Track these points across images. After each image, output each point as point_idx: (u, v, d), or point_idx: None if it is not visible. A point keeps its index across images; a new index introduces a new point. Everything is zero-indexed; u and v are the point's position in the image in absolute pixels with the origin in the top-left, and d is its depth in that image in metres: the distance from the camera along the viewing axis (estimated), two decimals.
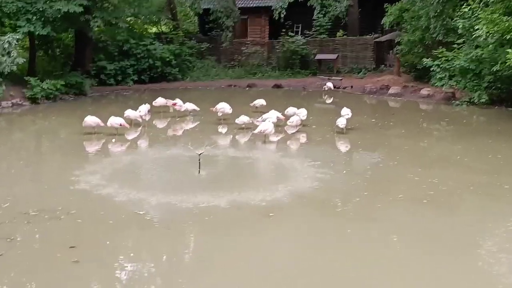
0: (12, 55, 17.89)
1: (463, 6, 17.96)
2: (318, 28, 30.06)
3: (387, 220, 7.69)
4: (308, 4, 28.55)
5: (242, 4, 31.31)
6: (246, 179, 9.87)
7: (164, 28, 32.65)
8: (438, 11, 20.35)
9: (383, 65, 28.04)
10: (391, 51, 27.14)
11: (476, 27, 16.36)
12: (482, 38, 16.33)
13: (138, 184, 9.42)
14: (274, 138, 13.26)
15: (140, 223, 7.52)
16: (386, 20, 23.86)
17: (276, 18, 28.35)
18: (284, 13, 27.88)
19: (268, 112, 14.68)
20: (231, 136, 13.85)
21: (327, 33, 29.97)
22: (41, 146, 13.68)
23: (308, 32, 30.25)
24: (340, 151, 12.66)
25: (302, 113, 14.72)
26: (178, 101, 16.54)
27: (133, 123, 14.71)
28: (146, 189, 8.94)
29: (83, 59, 24.80)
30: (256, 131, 12.78)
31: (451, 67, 18.85)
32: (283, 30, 29.44)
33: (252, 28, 31.61)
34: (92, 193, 8.77)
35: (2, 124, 17.01)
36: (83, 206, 8.18)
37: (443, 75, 19.15)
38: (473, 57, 17.95)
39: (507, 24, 15.64)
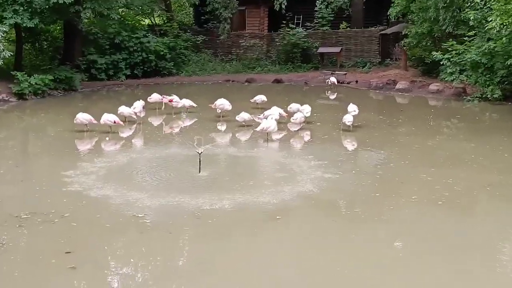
0: None
1: None
2: (320, 19, 29.97)
3: (400, 222, 7.65)
4: None
5: None
6: (250, 179, 9.81)
7: (157, 20, 32.50)
8: (447, 1, 20.33)
9: (389, 59, 27.99)
10: (397, 44, 27.11)
11: (489, 19, 16.32)
12: (495, 30, 16.28)
13: (136, 185, 9.34)
14: (276, 136, 13.20)
15: (139, 227, 7.46)
16: (392, 11, 23.79)
17: (277, 9, 28.28)
18: (285, 4, 27.80)
19: (269, 108, 14.63)
20: (231, 134, 13.80)
21: (329, 25, 29.86)
22: (30, 145, 13.58)
23: (309, 24, 30.16)
24: (347, 150, 12.61)
25: (306, 109, 14.66)
26: (174, 97, 16.44)
27: (127, 120, 14.64)
28: (144, 191, 8.88)
29: (73, 52, 24.63)
30: (258, 128, 12.71)
31: (461, 61, 18.82)
32: (283, 22, 29.33)
33: (251, 20, 31.49)
34: (87, 195, 8.70)
35: None
36: (78, 209, 8.11)
37: (454, 70, 19.12)
38: (485, 50, 17.91)
39: None
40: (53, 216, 7.75)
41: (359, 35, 28.98)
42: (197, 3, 31.10)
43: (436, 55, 19.57)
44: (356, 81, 24.15)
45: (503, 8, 15.93)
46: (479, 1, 17.68)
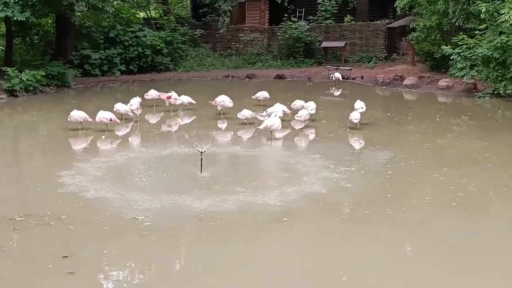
0: None
1: None
2: (323, 12, 29.94)
3: (413, 225, 7.60)
4: None
5: None
6: (254, 180, 9.76)
7: (153, 13, 32.46)
8: None
9: (395, 54, 27.98)
10: (404, 38, 27.08)
11: (502, 11, 16.28)
12: (508, 24, 16.24)
13: (134, 185, 9.29)
14: (280, 135, 13.16)
15: (139, 230, 7.40)
16: (399, 4, 23.71)
17: (279, 1, 28.21)
18: None
19: (272, 105, 14.57)
20: (233, 132, 13.76)
21: (333, 18, 29.83)
22: (22, 144, 13.51)
23: (312, 18, 30.12)
24: (355, 149, 12.57)
25: (311, 106, 14.60)
26: (173, 93, 16.39)
27: (123, 118, 14.59)
28: (144, 192, 8.82)
29: (65, 47, 24.57)
30: (261, 126, 12.66)
31: (472, 55, 18.77)
32: (285, 15, 29.29)
33: (251, 13, 31.39)
34: (83, 196, 8.65)
35: None
36: (74, 211, 8.06)
37: (464, 65, 19.08)
38: (497, 45, 17.86)
39: None
40: (49, 218, 7.70)
41: (364, 29, 28.94)
42: None
43: (446, 49, 19.52)
44: (362, 77, 24.13)
45: None
46: None
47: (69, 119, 13.57)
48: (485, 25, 18.86)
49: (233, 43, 30.18)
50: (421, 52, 24.89)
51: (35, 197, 8.72)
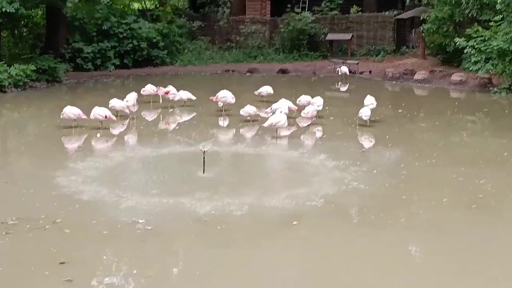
0: None
1: None
2: (328, 3, 29.90)
3: (432, 229, 7.52)
4: None
5: None
6: (260, 181, 9.70)
7: (148, 4, 32.40)
8: None
9: (404, 47, 27.96)
10: (414, 30, 27.04)
11: None
12: None
13: (133, 187, 9.22)
14: (286, 132, 13.09)
15: (140, 234, 7.32)
16: None
17: None
18: None
19: (277, 101, 14.50)
20: (235, 130, 13.69)
21: (339, 9, 29.79)
22: (12, 143, 13.42)
23: (317, 8, 30.05)
24: (365, 148, 12.49)
25: (318, 102, 14.55)
26: (171, 89, 16.32)
27: (119, 115, 14.52)
28: (143, 193, 8.76)
29: (56, 40, 24.51)
30: (266, 124, 12.59)
31: (487, 48, 18.70)
32: (288, 5, 29.25)
33: (251, 4, 31.31)
34: (79, 198, 8.57)
35: None
36: (70, 214, 7.98)
37: (479, 58, 19.00)
38: None
39: None
40: (44, 222, 7.62)
41: (372, 20, 28.90)
42: None
43: (459, 42, 19.44)
44: (370, 71, 24.09)
45: None
46: None
47: (61, 116, 13.50)
48: (500, 16, 18.78)
49: (233, 36, 30.14)
50: (432, 45, 24.84)
51: (28, 199, 8.64)
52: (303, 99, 15.12)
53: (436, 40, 23.81)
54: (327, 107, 15.36)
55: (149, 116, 15.67)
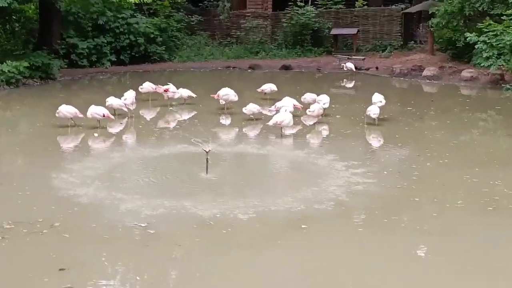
0: None
1: None
2: None
3: (447, 233, 7.47)
4: None
5: None
6: (266, 182, 9.68)
7: None
8: None
9: (412, 42, 27.92)
10: (421, 24, 27.01)
11: None
12: None
13: (134, 189, 9.18)
14: (291, 131, 13.06)
15: (143, 238, 7.30)
16: None
17: None
18: None
19: (281, 99, 14.47)
20: (238, 129, 13.65)
21: (344, 3, 29.73)
22: (6, 143, 13.34)
23: (320, 2, 30.00)
24: (375, 147, 12.49)
25: (324, 100, 14.50)
26: (170, 86, 16.28)
27: (117, 114, 14.48)
28: (145, 195, 8.73)
29: (50, 35, 24.43)
30: (270, 122, 12.56)
31: (499, 43, 18.67)
32: None
33: None
34: (78, 201, 8.53)
35: None
36: (69, 217, 7.94)
37: (490, 54, 18.97)
38: None
39: None
40: (41, 226, 7.58)
41: (378, 15, 28.83)
42: None
43: (470, 37, 19.39)
44: (376, 67, 24.06)
45: None
46: None
47: (57, 115, 13.44)
48: None
49: (233, 31, 30.09)
50: (441, 40, 24.81)
51: (25, 202, 8.58)
52: (308, 96, 15.08)
53: (445, 35, 23.80)
54: (333, 105, 15.31)
55: (148, 114, 15.63)
